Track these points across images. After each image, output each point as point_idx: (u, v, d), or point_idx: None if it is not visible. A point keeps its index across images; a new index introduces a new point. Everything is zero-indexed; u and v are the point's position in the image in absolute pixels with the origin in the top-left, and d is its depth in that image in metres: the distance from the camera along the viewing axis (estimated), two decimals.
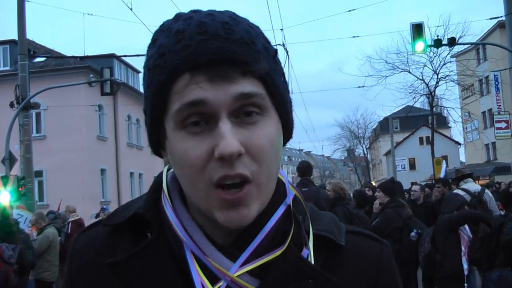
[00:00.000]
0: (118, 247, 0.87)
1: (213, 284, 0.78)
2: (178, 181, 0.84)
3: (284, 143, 0.90)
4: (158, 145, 0.86)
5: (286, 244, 0.82)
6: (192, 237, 0.81)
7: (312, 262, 0.84)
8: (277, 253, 0.81)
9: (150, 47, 0.81)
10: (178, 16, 0.80)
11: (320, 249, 0.87)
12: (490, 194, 8.20)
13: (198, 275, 0.79)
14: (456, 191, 7.85)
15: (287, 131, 0.88)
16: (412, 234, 6.43)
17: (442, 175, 18.96)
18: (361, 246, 0.92)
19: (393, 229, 6.35)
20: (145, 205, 0.88)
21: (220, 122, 0.74)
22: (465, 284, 5.66)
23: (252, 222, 0.81)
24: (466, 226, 5.83)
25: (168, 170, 0.91)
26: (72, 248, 0.95)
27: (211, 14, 0.78)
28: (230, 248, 0.81)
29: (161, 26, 0.81)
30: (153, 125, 0.83)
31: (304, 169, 7.30)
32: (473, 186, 8.03)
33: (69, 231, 10.47)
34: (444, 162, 20.10)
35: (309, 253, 0.85)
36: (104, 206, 16.30)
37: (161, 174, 0.92)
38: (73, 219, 10.94)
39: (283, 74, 0.85)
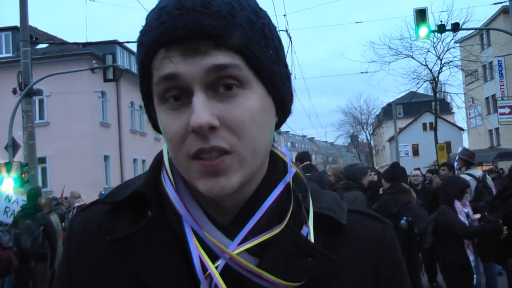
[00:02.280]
0: (117, 225, 0.86)
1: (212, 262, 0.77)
2: None
3: (283, 119, 0.89)
4: (155, 121, 0.86)
5: (285, 222, 0.81)
6: (192, 214, 0.80)
7: (312, 240, 0.82)
8: (276, 231, 0.80)
9: (143, 25, 0.82)
10: None
11: (321, 228, 0.85)
12: (491, 180, 8.21)
13: (196, 249, 0.78)
14: (461, 175, 7.75)
15: (283, 106, 0.86)
16: (402, 222, 6.32)
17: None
18: (363, 225, 0.91)
19: (389, 215, 6.07)
20: (145, 183, 0.87)
21: (194, 96, 0.74)
22: (475, 276, 5.55)
23: (251, 200, 0.80)
24: (465, 217, 5.62)
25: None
26: (70, 227, 0.94)
27: None
28: (228, 226, 0.80)
29: (156, 4, 0.81)
30: (145, 101, 0.85)
31: (303, 154, 7.55)
32: (477, 171, 8.01)
33: None
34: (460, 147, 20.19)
35: (308, 231, 0.83)
36: (103, 192, 16.24)
37: (161, 152, 0.91)
38: (78, 204, 11.01)
39: (275, 47, 0.83)
